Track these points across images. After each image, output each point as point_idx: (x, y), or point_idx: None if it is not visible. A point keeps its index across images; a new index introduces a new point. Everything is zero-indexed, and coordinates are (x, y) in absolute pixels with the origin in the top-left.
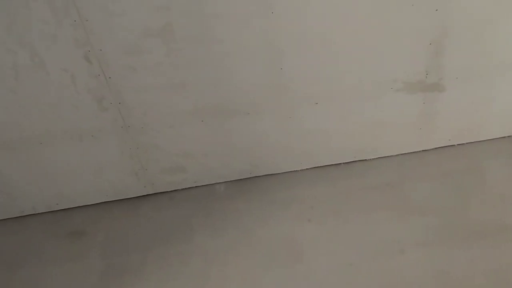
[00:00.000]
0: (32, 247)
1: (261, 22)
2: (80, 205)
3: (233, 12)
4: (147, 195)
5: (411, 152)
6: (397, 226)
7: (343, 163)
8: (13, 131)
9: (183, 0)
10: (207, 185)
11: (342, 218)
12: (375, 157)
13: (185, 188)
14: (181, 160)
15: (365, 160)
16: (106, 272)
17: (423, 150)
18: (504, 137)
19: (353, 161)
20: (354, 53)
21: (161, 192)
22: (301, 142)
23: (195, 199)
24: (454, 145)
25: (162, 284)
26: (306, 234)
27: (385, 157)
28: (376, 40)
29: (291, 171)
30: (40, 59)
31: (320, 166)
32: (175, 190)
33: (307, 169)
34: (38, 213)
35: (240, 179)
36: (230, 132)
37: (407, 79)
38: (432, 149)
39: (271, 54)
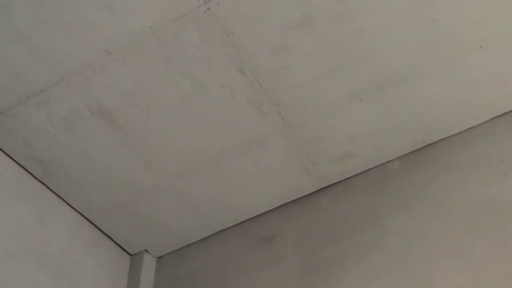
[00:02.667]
0: (232, 260)
1: None
2: (262, 212)
3: None
4: (321, 188)
5: None
6: None
7: None
8: (192, 156)
9: None
10: (379, 165)
11: None
12: None
13: (358, 174)
14: (348, 146)
15: None
16: (305, 270)
17: None
18: None
19: None
20: None
21: (335, 183)
22: (472, 94)
23: (371, 182)
24: None
25: (364, 272)
26: (507, 189)
27: None
28: None
29: (467, 129)
30: (200, 83)
31: (500, 115)
32: (348, 178)
33: (484, 122)
34: (227, 228)
35: (413, 151)
36: (392, 104)
37: None
38: None
39: (420, 6)
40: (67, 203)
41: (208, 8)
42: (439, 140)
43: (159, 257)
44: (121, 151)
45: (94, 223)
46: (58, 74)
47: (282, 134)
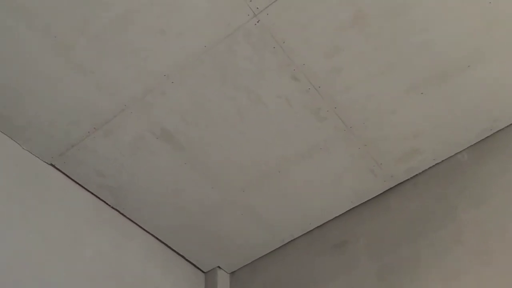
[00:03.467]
0: (305, 270)
1: None
2: (331, 218)
3: None
4: (389, 189)
5: None
6: None
7: None
8: (254, 169)
9: None
10: (447, 158)
11: None
12: None
13: (426, 169)
14: (412, 142)
15: None
16: (382, 273)
17: None
18: None
19: None
20: None
21: (403, 182)
22: None
23: (441, 176)
24: None
25: (444, 270)
26: None
27: None
28: None
29: None
30: (255, 95)
31: None
32: (416, 175)
33: None
34: (297, 237)
35: (481, 140)
36: (455, 94)
37: None
38: None
39: None
40: (140, 227)
41: (258, 21)
42: (508, 126)
43: (232, 273)
44: (186, 171)
45: (167, 244)
46: (121, 103)
47: (343, 137)
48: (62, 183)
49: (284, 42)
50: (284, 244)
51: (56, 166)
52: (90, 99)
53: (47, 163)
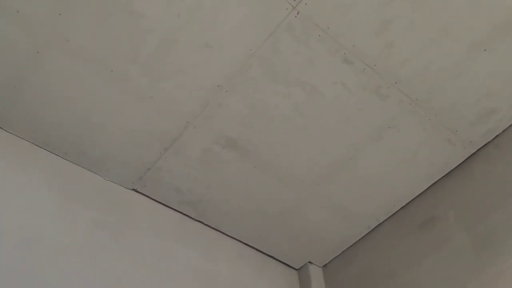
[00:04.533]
0: (396, 252)
1: None
2: (414, 196)
3: None
4: (470, 155)
5: None
6: None
7: None
8: (324, 161)
9: None
10: None
11: None
12: None
13: (506, 129)
14: (486, 103)
15: None
16: (477, 243)
17: None
18: None
19: None
20: None
21: (483, 146)
22: None
23: None
24: None
25: None
26: None
27: None
28: None
29: None
30: (310, 87)
31: None
32: (496, 137)
33: None
34: (383, 221)
35: None
36: None
37: None
38: None
39: None
40: (226, 234)
41: (298, 12)
42: None
43: (324, 266)
44: (257, 175)
45: (255, 247)
46: (183, 121)
47: (410, 111)
48: (146, 204)
49: (328, 28)
50: (371, 230)
51: (137, 190)
52: (154, 123)
53: (129, 188)
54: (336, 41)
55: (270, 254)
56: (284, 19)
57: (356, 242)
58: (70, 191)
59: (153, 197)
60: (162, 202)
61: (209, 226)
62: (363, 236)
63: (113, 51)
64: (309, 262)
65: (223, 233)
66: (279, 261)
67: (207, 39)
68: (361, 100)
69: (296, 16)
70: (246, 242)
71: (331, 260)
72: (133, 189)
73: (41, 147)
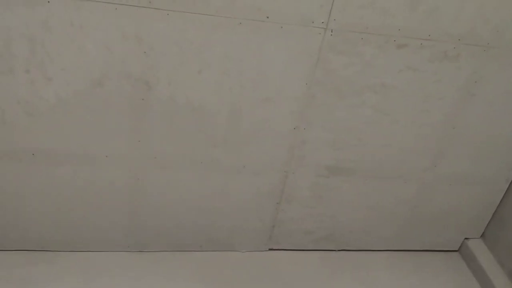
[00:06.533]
0: None
1: None
2: None
3: None
4: None
5: None
6: None
7: None
8: (425, 149)
9: None
10: None
11: None
12: None
13: None
14: None
15: None
16: None
17: None
18: None
19: None
20: None
21: None
22: None
23: None
24: None
25: None
26: None
27: None
28: None
29: None
30: (380, 85)
31: None
32: None
33: None
34: None
35: None
36: None
37: None
38: None
39: None
40: (371, 250)
41: (332, 30)
42: None
43: (482, 236)
44: (371, 184)
45: (406, 249)
46: (280, 171)
47: (489, 58)
48: (285, 257)
49: (367, 28)
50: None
51: (273, 248)
52: (256, 185)
53: (266, 250)
54: (380, 35)
55: (423, 249)
56: (321, 43)
57: (501, 200)
58: (222, 278)
59: (289, 248)
60: (300, 249)
61: (353, 250)
62: (505, 193)
63: (194, 150)
64: (466, 238)
65: (368, 250)
66: (435, 250)
67: (264, 94)
68: (434, 72)
69: (331, 35)
70: (394, 249)
71: (486, 228)
72: (270, 249)
73: (186, 251)
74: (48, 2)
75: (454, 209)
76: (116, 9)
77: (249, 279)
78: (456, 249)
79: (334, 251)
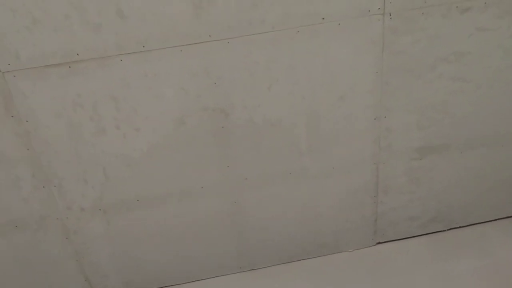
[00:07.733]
0: None
1: None
2: None
3: None
4: None
5: None
6: None
7: None
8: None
9: None
10: None
11: None
12: None
13: None
14: None
15: None
16: None
17: None
18: None
19: None
20: None
21: None
22: None
23: None
24: None
25: None
26: None
27: None
28: None
29: None
30: (452, 54)
31: None
32: None
33: None
34: None
35: None
36: None
37: None
38: None
39: None
40: (480, 223)
41: (390, 14)
42: None
43: None
44: (466, 158)
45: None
46: (371, 165)
47: None
48: (393, 248)
49: (425, 1)
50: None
51: (380, 241)
52: (350, 184)
53: (373, 245)
54: (441, 5)
55: None
56: (383, 29)
57: None
58: (336, 280)
59: (397, 238)
60: (407, 236)
61: (463, 226)
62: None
63: (281, 163)
64: None
65: (480, 222)
66: None
67: (337, 93)
68: (507, 27)
69: (391, 18)
70: (508, 215)
71: None
72: (377, 243)
73: (295, 261)
74: (121, 60)
75: None
76: (181, 51)
77: (362, 276)
78: None
79: (443, 232)
